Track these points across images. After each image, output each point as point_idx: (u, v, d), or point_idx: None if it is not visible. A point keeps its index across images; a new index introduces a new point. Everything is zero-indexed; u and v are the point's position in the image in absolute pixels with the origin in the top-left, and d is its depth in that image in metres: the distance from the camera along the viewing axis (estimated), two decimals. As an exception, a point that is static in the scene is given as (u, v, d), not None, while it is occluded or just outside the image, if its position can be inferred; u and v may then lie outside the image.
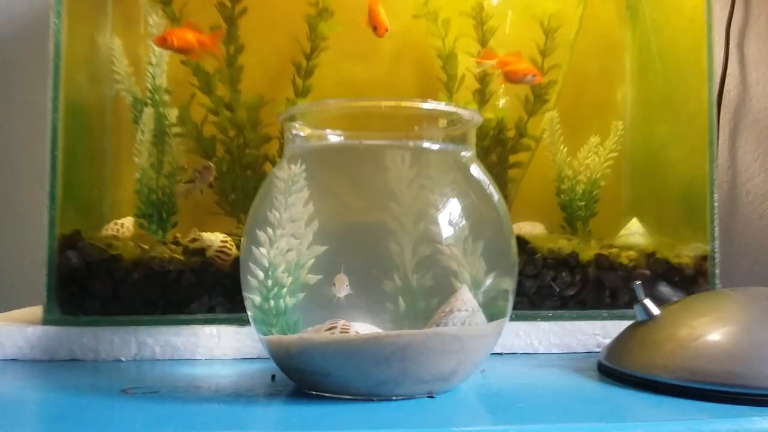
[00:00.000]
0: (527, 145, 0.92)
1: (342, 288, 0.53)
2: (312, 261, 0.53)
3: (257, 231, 0.55)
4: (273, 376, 0.63)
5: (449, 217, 0.55)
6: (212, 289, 0.74)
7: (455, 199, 0.56)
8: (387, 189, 0.55)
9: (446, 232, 0.55)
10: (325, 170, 0.59)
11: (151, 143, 0.84)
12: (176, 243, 0.78)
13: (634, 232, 0.85)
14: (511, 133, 0.91)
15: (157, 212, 0.86)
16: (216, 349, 0.72)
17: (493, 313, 0.57)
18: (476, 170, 0.60)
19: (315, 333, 0.54)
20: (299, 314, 0.56)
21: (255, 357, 0.73)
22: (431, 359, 0.53)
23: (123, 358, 0.70)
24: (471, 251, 0.55)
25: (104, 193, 0.89)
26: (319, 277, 0.53)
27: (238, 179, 0.86)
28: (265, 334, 0.58)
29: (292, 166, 0.57)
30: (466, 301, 0.54)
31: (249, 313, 0.59)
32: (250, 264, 0.56)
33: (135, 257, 0.74)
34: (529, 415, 0.52)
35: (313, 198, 0.54)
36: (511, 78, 0.86)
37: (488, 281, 0.56)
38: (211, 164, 0.80)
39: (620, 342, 0.68)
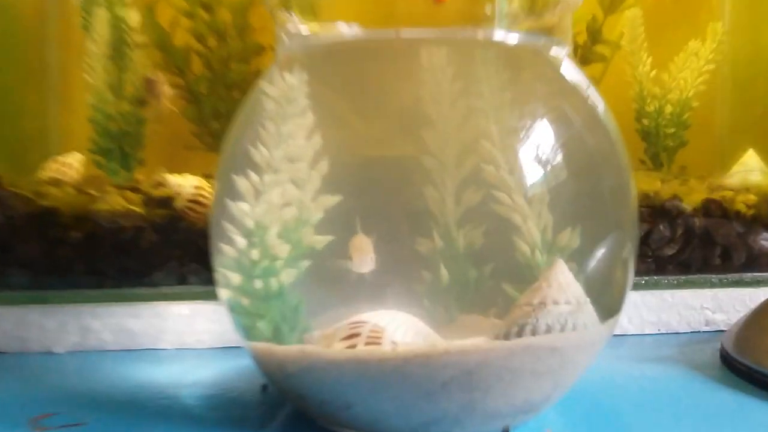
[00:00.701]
0: (601, 54, 0.71)
1: (364, 260, 0.37)
2: (320, 217, 0.38)
3: (235, 177, 0.38)
4: (264, 386, 0.45)
5: (536, 149, 0.38)
6: (183, 253, 0.57)
7: (540, 119, 0.38)
8: (432, 108, 0.38)
9: (531, 174, 0.38)
10: (337, 83, 0.40)
11: (106, 57, 0.68)
12: (135, 190, 0.60)
13: (752, 169, 0.65)
14: (581, 38, 0.70)
15: (118, 147, 0.70)
16: (188, 334, 0.56)
17: (602, 300, 0.37)
18: (572, 74, 0.41)
19: (326, 340, 0.35)
20: (301, 295, 0.39)
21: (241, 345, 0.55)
22: (515, 385, 0.34)
23: (59, 350, 0.55)
24: (558, 198, 0.38)
25: (48, 123, 0.73)
26: (330, 238, 0.37)
27: (221, 103, 0.69)
28: (247, 334, 0.39)
29: (288, 76, 0.38)
30: (565, 286, 0.34)
31: (222, 296, 0.41)
32: (225, 225, 0.39)
33: (77, 210, 0.57)
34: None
35: (321, 125, 0.38)
36: None
37: (596, 248, 0.37)
38: (149, 75, 0.65)
39: (755, 325, 0.49)
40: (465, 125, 0.39)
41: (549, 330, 0.33)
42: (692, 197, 0.61)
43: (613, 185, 0.39)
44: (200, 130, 0.70)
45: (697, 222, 0.60)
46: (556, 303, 0.34)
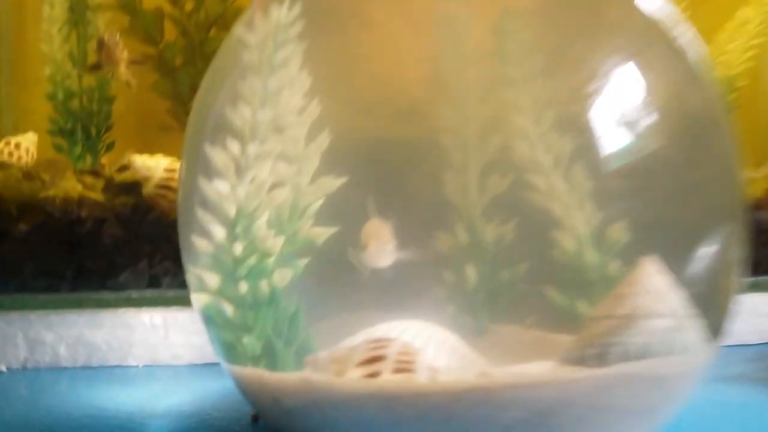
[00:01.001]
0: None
1: (382, 250, 0.32)
2: (319, 203, 0.33)
3: (209, 148, 0.33)
4: (255, 417, 0.38)
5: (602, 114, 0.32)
6: (154, 249, 0.55)
7: (611, 70, 0.32)
8: (460, 64, 0.34)
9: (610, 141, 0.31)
10: (342, 21, 0.35)
11: (66, 22, 0.66)
12: (95, 174, 0.56)
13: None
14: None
15: (83, 127, 0.67)
16: (161, 348, 0.52)
17: (705, 314, 0.30)
18: (652, 6, 0.34)
19: (336, 365, 0.28)
20: (299, 301, 0.34)
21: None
22: (602, 429, 0.26)
23: (3, 367, 0.50)
24: (635, 181, 0.32)
25: (0, 100, 0.71)
26: (334, 230, 0.33)
27: (200, 76, 0.64)
28: (229, 353, 0.33)
29: (275, 11, 0.33)
30: (661, 294, 0.27)
31: (197, 304, 0.36)
32: (198, 212, 0.34)
33: (24, 198, 0.53)
34: None
35: (320, 82, 0.33)
36: None
37: (692, 248, 0.30)
38: (104, 36, 0.59)
39: None
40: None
41: (645, 352, 0.25)
42: (753, 186, 0.58)
43: (712, 162, 0.32)
44: (176, 107, 0.66)
45: (761, 215, 0.56)
46: (648, 317, 0.26)
